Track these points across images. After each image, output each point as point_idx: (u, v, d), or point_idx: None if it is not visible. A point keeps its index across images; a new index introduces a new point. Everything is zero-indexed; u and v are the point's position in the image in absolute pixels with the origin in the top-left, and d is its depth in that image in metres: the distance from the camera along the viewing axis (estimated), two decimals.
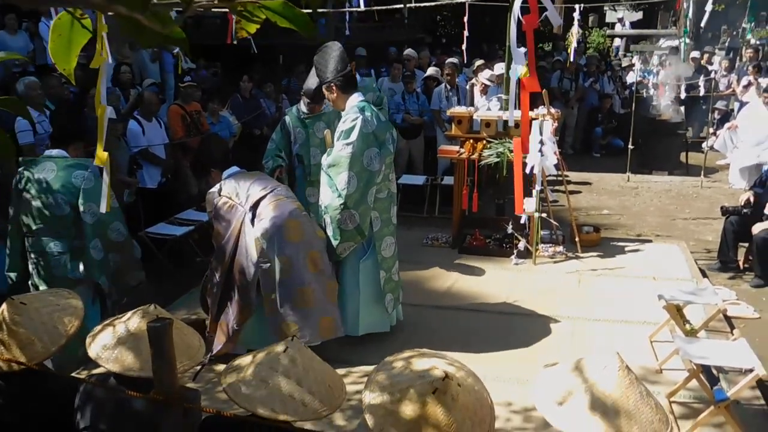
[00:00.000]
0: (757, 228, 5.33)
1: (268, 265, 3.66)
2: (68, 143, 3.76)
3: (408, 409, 1.57)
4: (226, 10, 1.17)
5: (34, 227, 3.71)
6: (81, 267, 3.76)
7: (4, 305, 2.11)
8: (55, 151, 3.76)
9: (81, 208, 3.62)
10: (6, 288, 3.98)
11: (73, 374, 2.11)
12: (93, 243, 3.68)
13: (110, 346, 1.94)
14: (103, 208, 1.76)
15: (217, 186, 3.82)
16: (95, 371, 2.42)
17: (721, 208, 5.89)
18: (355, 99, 4.01)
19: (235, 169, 3.91)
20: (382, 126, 4.02)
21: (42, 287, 3.76)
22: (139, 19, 0.93)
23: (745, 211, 5.62)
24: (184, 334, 2.04)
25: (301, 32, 1.18)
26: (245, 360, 1.90)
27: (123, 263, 3.84)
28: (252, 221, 3.68)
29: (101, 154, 1.47)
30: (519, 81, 5.33)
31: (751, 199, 5.61)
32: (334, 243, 3.93)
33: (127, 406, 1.92)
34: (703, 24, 8.46)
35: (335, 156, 3.90)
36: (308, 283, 3.73)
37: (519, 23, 5.28)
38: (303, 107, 5.04)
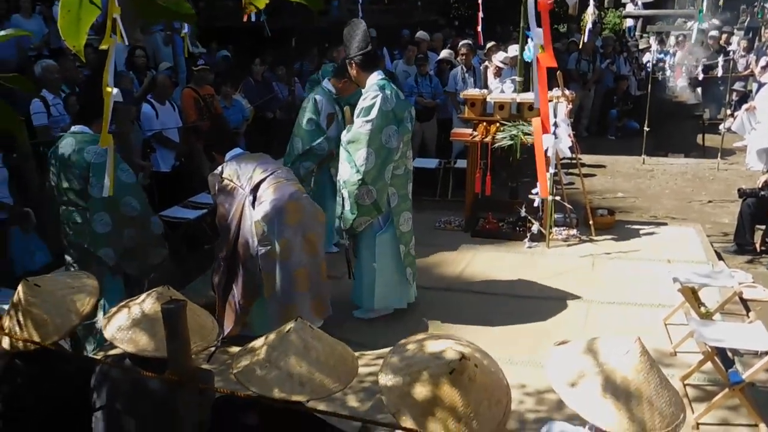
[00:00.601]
0: None
1: (269, 248, 3.70)
2: (91, 120, 3.84)
3: (424, 390, 1.58)
4: None
5: (63, 198, 3.86)
6: None
7: (20, 286, 2.14)
8: (77, 128, 3.87)
9: (90, 182, 3.72)
10: (36, 268, 4.09)
11: (88, 355, 2.15)
12: (97, 216, 3.76)
13: (125, 327, 1.96)
14: (106, 192, 1.77)
15: (219, 168, 3.83)
16: (111, 352, 2.46)
17: (738, 190, 5.82)
18: (375, 77, 4.04)
19: (237, 150, 3.94)
20: (402, 104, 4.07)
21: (68, 258, 3.91)
22: None
23: (762, 193, 5.54)
24: (197, 315, 2.06)
25: (311, 6, 1.16)
26: (258, 343, 1.91)
27: (140, 239, 3.89)
28: (253, 204, 3.71)
29: (106, 137, 1.47)
30: (536, 62, 5.26)
31: None
32: (351, 217, 4.00)
33: (142, 387, 1.94)
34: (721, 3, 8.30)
35: (355, 132, 3.95)
36: (305, 264, 3.81)
37: (535, 3, 5.21)
38: (331, 87, 5.17)
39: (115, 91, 1.41)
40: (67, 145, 3.79)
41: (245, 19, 1.20)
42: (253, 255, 3.72)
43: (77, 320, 2.09)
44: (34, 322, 2.02)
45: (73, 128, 3.89)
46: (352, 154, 3.94)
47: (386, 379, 1.66)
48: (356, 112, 4.01)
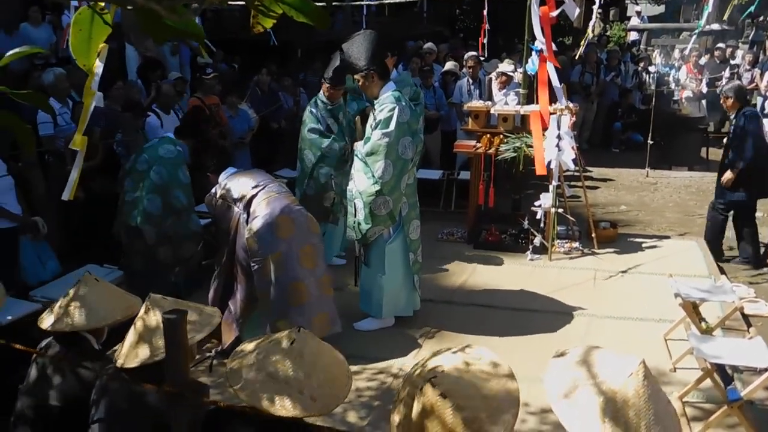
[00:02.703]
0: None
1: (261, 264, 3.64)
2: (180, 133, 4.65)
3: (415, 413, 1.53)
4: (243, 3, 1.17)
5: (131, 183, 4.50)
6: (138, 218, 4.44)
7: (82, 278, 2.38)
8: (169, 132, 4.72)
9: (153, 168, 4.35)
10: (48, 277, 4.21)
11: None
12: (150, 197, 4.37)
13: (132, 346, 2.03)
14: (66, 195, 1.83)
15: (214, 189, 3.87)
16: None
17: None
18: (389, 88, 4.07)
19: (231, 170, 3.94)
20: (415, 115, 4.15)
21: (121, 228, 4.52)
22: (156, 10, 0.93)
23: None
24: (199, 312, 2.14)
25: (317, 26, 1.18)
26: (249, 350, 1.87)
27: (178, 229, 4.45)
28: (247, 220, 3.70)
29: (78, 139, 1.50)
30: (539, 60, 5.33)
31: None
32: (365, 227, 4.05)
33: (141, 399, 1.96)
34: (726, 17, 8.32)
35: (373, 144, 3.99)
36: (301, 278, 3.74)
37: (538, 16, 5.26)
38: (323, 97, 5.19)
39: (98, 95, 1.42)
40: (152, 144, 4.60)
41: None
42: (249, 270, 3.72)
43: (122, 317, 2.31)
44: (85, 308, 2.21)
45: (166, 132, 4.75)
46: (371, 166, 3.99)
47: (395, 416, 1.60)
48: (373, 122, 4.06)
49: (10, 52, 1.25)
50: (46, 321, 2.31)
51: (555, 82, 5.46)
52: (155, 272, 4.37)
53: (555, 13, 5.41)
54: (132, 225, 4.38)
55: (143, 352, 1.95)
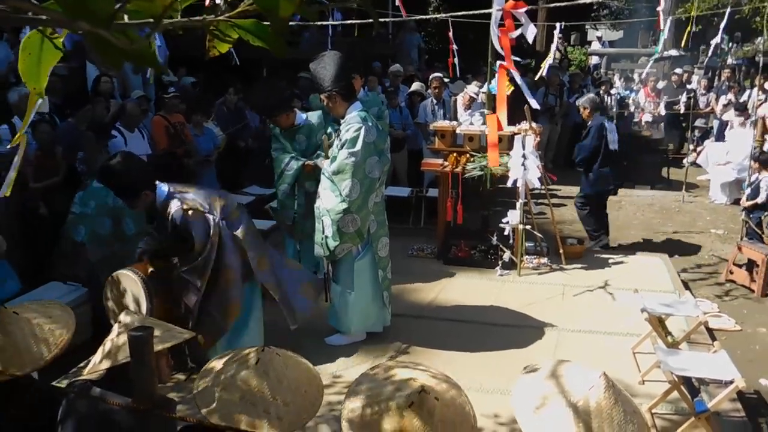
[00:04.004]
0: None
1: (256, 259, 3.78)
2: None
3: (386, 423, 1.55)
4: (199, 27, 1.13)
5: None
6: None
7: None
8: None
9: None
10: (6, 296, 4.08)
11: (54, 384, 2.08)
12: (100, 219, 4.58)
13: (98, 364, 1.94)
14: (1, 192, 1.75)
15: (176, 203, 3.60)
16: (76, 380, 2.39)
17: None
18: (355, 108, 4.09)
19: (163, 185, 3.67)
20: (382, 135, 4.19)
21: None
22: (104, 35, 0.90)
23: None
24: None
25: (273, 52, 1.15)
26: (217, 369, 1.84)
27: (123, 255, 4.34)
28: (229, 226, 3.71)
29: (22, 137, 1.46)
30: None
31: None
32: (333, 244, 4.05)
33: (109, 416, 1.88)
34: (682, 44, 8.64)
35: (340, 163, 4.00)
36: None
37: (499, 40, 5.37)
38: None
39: (42, 101, 1.38)
40: None
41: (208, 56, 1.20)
42: (237, 277, 3.69)
43: (52, 354, 2.01)
44: (9, 351, 1.95)
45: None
46: (338, 185, 4.00)
47: (349, 408, 1.63)
48: (339, 142, 4.07)
49: None
50: None
51: (524, 88, 5.60)
52: (97, 286, 4.25)
53: (514, 35, 5.51)
54: (77, 240, 4.52)
55: (106, 365, 1.88)
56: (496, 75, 5.59)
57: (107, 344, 2.07)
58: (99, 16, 0.86)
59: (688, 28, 8.95)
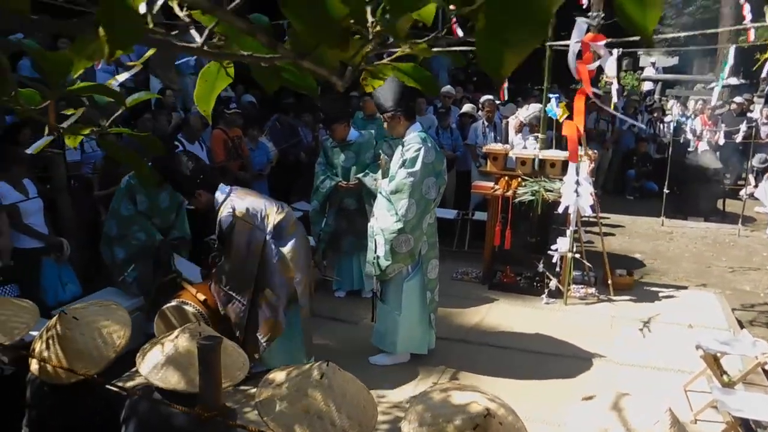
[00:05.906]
0: None
1: (300, 279, 3.84)
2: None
3: None
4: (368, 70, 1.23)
5: None
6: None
7: (55, 319, 2.19)
8: None
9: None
10: (67, 299, 4.23)
11: (118, 384, 2.17)
12: (108, 222, 4.65)
13: (159, 366, 2.00)
14: (32, 149, 1.90)
15: (228, 208, 3.74)
16: (138, 380, 2.48)
17: None
18: (415, 128, 4.17)
19: (225, 187, 3.85)
20: (440, 157, 4.24)
21: None
22: (300, 65, 0.98)
23: None
24: (228, 352, 2.09)
25: (427, 93, 1.27)
26: (279, 380, 1.89)
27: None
28: (276, 242, 3.77)
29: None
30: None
31: None
32: (385, 264, 4.10)
33: (171, 420, 1.95)
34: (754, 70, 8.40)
35: (398, 182, 4.06)
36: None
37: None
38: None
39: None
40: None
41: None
42: (281, 294, 3.76)
43: (114, 354, 2.12)
44: (73, 354, 2.06)
45: None
46: (395, 204, 4.06)
47: (409, 428, 1.66)
48: (397, 161, 4.14)
49: (134, 96, 1.34)
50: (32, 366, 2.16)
51: (620, 114, 5.56)
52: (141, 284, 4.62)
53: (592, 66, 5.49)
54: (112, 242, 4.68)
55: (174, 379, 1.95)
56: (552, 102, 5.56)
57: (166, 344, 2.09)
58: (330, 63, 0.97)
59: (765, 55, 8.69)
